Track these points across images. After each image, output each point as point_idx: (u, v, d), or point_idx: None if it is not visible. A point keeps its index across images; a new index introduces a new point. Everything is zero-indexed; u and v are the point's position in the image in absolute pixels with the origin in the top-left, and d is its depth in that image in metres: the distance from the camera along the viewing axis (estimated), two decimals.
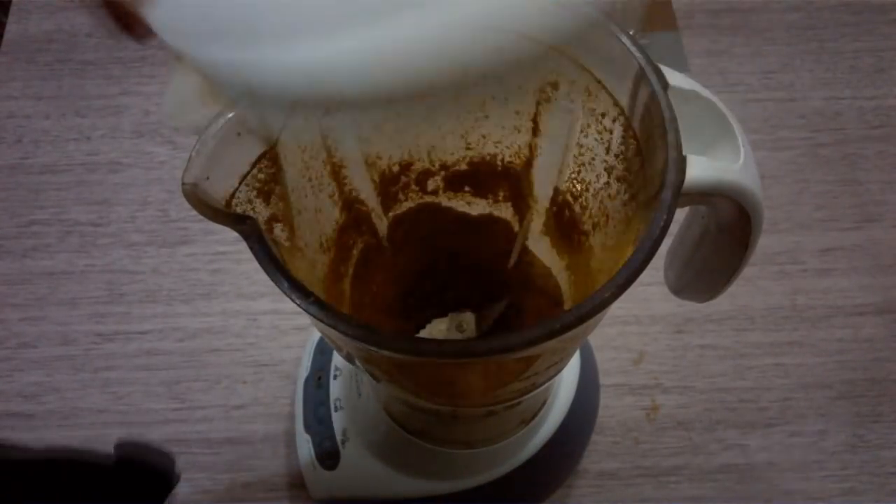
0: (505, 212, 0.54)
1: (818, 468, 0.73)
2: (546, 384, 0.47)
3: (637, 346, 0.79)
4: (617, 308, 0.78)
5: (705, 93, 0.38)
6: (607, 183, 0.43)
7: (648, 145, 0.37)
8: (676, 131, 0.35)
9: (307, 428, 0.68)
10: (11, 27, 0.97)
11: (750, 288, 0.81)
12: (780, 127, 0.90)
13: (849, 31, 0.96)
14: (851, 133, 0.90)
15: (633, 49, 0.37)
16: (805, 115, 0.91)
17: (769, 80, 0.93)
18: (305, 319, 0.79)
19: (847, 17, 0.97)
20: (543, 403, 0.61)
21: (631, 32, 0.38)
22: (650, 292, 0.80)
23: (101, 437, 0.74)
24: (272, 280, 0.33)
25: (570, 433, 0.65)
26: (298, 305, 0.32)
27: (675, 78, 0.37)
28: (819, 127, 0.90)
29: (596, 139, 0.43)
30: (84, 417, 0.75)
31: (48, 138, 0.89)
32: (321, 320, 0.32)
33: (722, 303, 0.79)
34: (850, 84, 0.93)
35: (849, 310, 0.80)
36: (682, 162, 0.34)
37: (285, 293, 0.33)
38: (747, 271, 0.80)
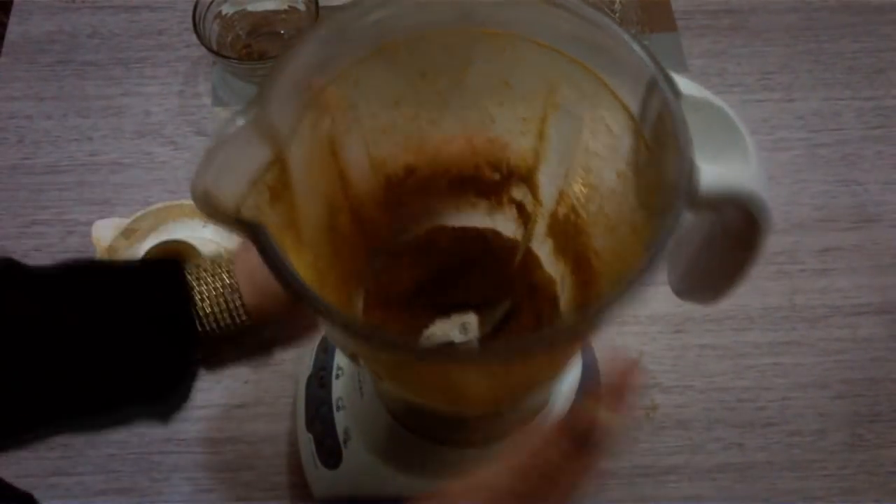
0: (509, 215, 0.54)
1: (817, 467, 0.74)
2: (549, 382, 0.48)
3: (636, 345, 0.79)
4: None
5: (717, 101, 0.38)
6: (615, 189, 0.44)
7: (659, 154, 0.37)
8: (689, 141, 0.35)
9: (309, 427, 0.68)
10: (13, 28, 0.97)
11: (749, 288, 0.81)
12: (779, 127, 0.90)
13: (847, 32, 0.97)
14: (850, 133, 0.90)
15: (645, 56, 0.37)
16: (804, 115, 0.91)
17: (768, 80, 0.93)
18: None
19: (846, 17, 0.98)
20: (546, 402, 0.62)
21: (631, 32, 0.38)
22: (649, 292, 0.80)
23: (102, 436, 0.75)
24: (281, 283, 0.33)
25: None
26: (307, 308, 0.33)
27: (686, 86, 0.37)
28: (818, 127, 0.91)
29: (604, 146, 0.43)
30: None
31: (49, 139, 0.90)
32: (330, 323, 0.32)
33: (721, 302, 0.80)
34: (849, 85, 0.93)
35: (847, 310, 0.81)
36: (693, 171, 0.34)
37: (294, 297, 0.33)
38: None
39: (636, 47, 0.37)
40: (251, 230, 0.35)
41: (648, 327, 0.80)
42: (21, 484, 0.72)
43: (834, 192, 0.87)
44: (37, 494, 0.72)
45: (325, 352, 0.70)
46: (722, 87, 0.92)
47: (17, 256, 0.81)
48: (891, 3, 0.98)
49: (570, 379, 0.64)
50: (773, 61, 0.95)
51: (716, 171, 0.35)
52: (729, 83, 0.93)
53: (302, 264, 0.39)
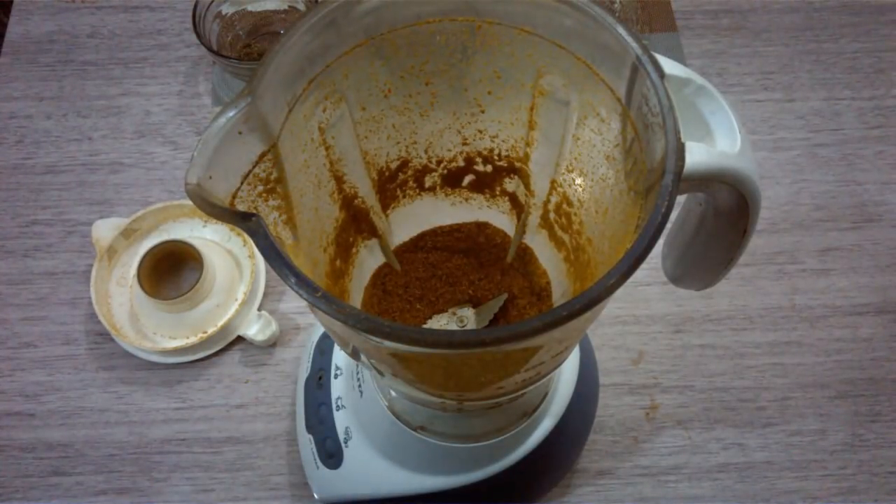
0: (503, 206, 0.54)
1: (817, 467, 0.74)
2: (549, 375, 0.48)
3: (636, 345, 0.79)
4: (616, 308, 0.79)
5: (701, 80, 0.38)
6: (605, 174, 0.44)
7: (647, 134, 0.37)
8: (675, 119, 0.35)
9: (309, 428, 0.68)
10: (13, 28, 0.97)
11: (749, 288, 0.81)
12: (779, 127, 0.90)
13: (847, 32, 0.97)
14: (850, 133, 0.90)
15: (628, 39, 0.37)
16: (804, 115, 0.91)
17: (768, 80, 0.93)
18: (304, 319, 0.80)
19: (846, 17, 0.97)
20: (544, 396, 0.62)
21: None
22: (649, 292, 0.80)
23: (102, 436, 0.75)
24: (280, 276, 0.33)
25: (570, 427, 0.65)
26: (306, 300, 0.33)
27: (670, 66, 0.37)
28: (818, 127, 0.90)
29: (593, 130, 0.43)
30: (85, 417, 0.76)
31: (49, 139, 0.90)
32: (329, 314, 0.32)
33: (721, 302, 0.80)
34: (849, 85, 0.93)
35: (847, 309, 0.80)
36: (681, 149, 0.35)
37: (293, 288, 0.33)
38: (746, 271, 0.81)
39: (619, 30, 0.37)
40: (245, 220, 0.34)
41: (648, 327, 0.80)
42: (21, 484, 0.73)
43: (834, 192, 0.86)
44: (37, 494, 0.73)
45: (323, 353, 0.70)
46: (722, 87, 0.92)
47: (17, 256, 0.82)
48: (891, 3, 0.98)
49: (567, 373, 0.64)
50: (773, 61, 0.95)
51: (703, 148, 0.35)
52: (729, 83, 0.93)
53: (297, 258, 0.39)
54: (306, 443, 0.68)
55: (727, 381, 0.77)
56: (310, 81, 0.40)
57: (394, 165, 0.50)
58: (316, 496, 0.67)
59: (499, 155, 0.50)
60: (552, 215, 0.50)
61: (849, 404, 0.76)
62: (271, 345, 0.79)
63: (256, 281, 0.80)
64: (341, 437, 0.65)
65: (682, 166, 0.34)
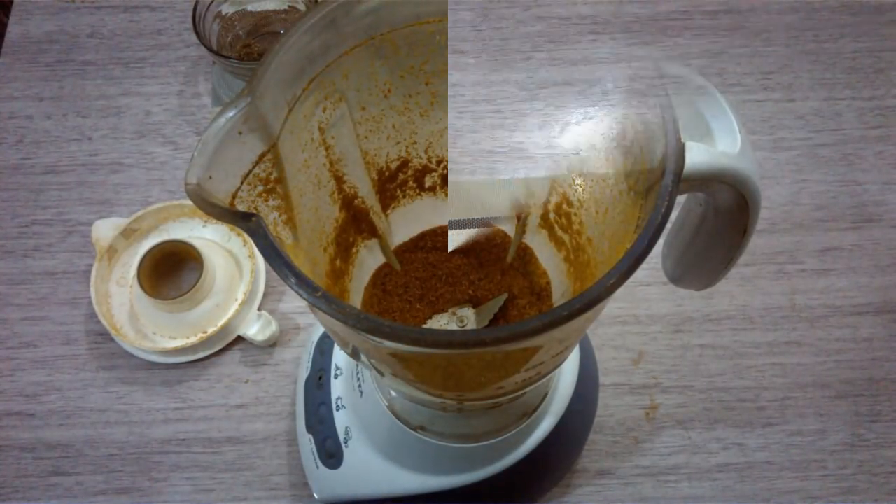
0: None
1: (817, 467, 0.74)
2: (549, 375, 0.48)
3: (636, 345, 0.79)
4: (616, 308, 0.79)
5: (701, 80, 0.38)
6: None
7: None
8: (675, 119, 0.35)
9: (309, 428, 0.68)
10: (13, 28, 0.97)
11: (749, 288, 0.81)
12: (779, 127, 0.90)
13: (847, 32, 0.96)
14: (850, 133, 0.90)
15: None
16: (804, 115, 0.91)
17: (768, 80, 0.93)
18: (304, 319, 0.80)
19: (845, 17, 0.97)
20: (544, 397, 0.62)
21: None
22: (649, 292, 0.80)
23: (102, 436, 0.75)
24: (280, 276, 0.33)
25: (570, 427, 0.65)
26: (306, 300, 0.33)
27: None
28: (818, 127, 0.90)
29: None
30: (85, 417, 0.76)
31: (49, 139, 0.90)
32: (329, 314, 0.32)
33: (721, 302, 0.80)
34: (849, 84, 0.93)
35: (847, 309, 0.80)
36: (681, 149, 0.35)
37: (293, 288, 0.33)
38: (746, 271, 0.81)
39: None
40: (245, 220, 0.34)
41: (648, 327, 0.80)
42: (21, 484, 0.73)
43: (834, 192, 0.86)
44: (37, 494, 0.73)
45: (323, 353, 0.70)
46: (721, 87, 0.91)
47: (17, 256, 0.82)
48: (891, 3, 0.98)
49: (567, 373, 0.64)
50: (773, 61, 0.95)
51: (703, 148, 0.35)
52: (729, 83, 0.93)
53: (297, 258, 0.39)
54: (306, 443, 0.68)
55: (727, 381, 0.77)
56: (310, 81, 0.40)
57: (394, 165, 0.50)
58: (316, 496, 0.67)
59: None
60: (552, 215, 0.50)
61: (849, 404, 0.76)
62: (271, 345, 0.79)
63: (256, 281, 0.80)
64: (341, 437, 0.65)
65: (682, 166, 0.34)
